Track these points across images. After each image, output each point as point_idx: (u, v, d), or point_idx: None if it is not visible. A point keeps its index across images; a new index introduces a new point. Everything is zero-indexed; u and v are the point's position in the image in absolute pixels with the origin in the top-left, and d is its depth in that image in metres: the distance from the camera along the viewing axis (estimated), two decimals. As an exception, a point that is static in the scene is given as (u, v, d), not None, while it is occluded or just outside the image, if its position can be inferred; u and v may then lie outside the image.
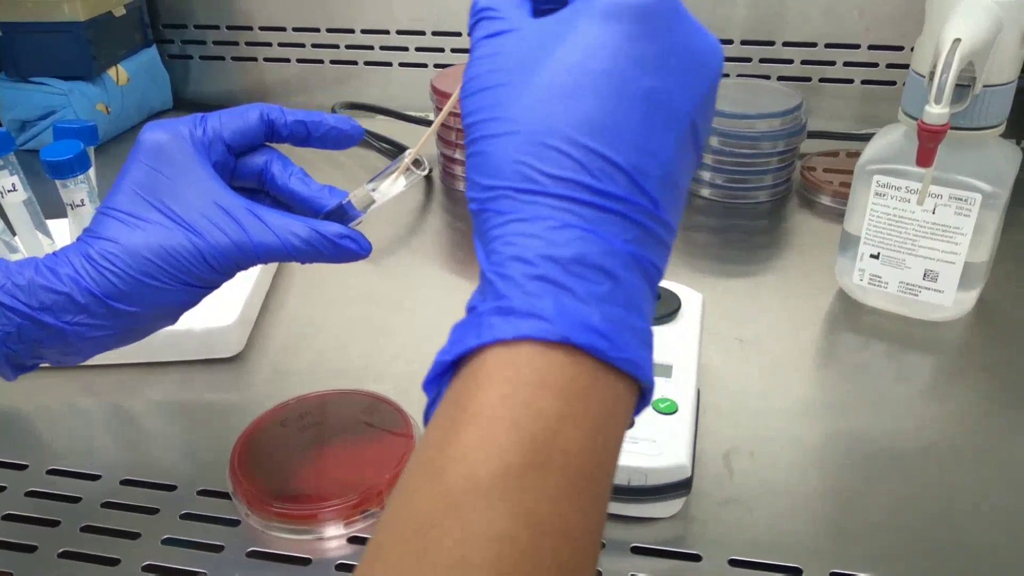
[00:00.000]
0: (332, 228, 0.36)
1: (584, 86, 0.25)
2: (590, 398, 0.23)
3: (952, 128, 0.48)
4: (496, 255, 0.25)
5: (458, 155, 0.74)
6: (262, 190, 0.40)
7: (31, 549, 0.42)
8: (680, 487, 0.41)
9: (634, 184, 0.25)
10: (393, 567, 0.21)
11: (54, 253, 0.35)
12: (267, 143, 0.39)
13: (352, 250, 0.37)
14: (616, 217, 0.25)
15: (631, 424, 0.25)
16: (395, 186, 0.37)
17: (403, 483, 0.23)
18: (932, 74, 0.45)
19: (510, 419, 0.22)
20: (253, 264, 0.36)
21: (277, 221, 0.35)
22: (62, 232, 0.60)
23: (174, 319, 0.37)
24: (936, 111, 0.45)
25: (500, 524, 0.21)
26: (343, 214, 0.38)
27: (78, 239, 0.35)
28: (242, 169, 0.39)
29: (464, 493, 0.21)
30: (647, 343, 0.25)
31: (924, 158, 0.46)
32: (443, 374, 0.25)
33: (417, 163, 0.37)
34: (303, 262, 0.36)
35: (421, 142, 0.36)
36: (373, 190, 0.37)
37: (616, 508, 0.42)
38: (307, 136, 0.39)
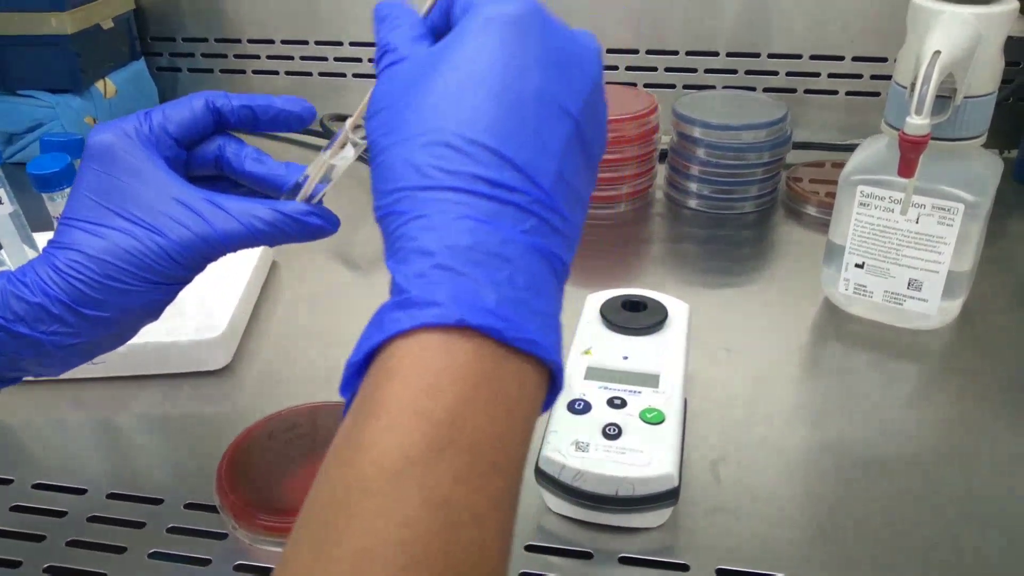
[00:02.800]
0: (295, 207, 0.36)
1: (467, 89, 0.27)
2: (493, 381, 0.24)
3: (934, 139, 0.48)
4: (399, 252, 0.26)
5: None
6: (222, 176, 0.39)
7: (16, 564, 0.42)
8: (668, 497, 0.41)
9: (525, 176, 0.26)
10: (304, 554, 0.22)
11: (23, 266, 0.35)
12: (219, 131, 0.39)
13: (318, 226, 0.36)
14: (512, 208, 0.26)
15: (544, 409, 0.26)
16: (346, 156, 0.36)
17: (318, 475, 0.24)
18: (913, 86, 0.46)
19: (413, 406, 0.23)
20: (221, 254, 0.35)
21: (238, 207, 0.35)
22: (49, 245, 0.60)
23: (154, 317, 0.37)
24: (917, 122, 0.45)
25: (407, 508, 0.21)
26: (301, 191, 0.37)
27: (44, 250, 0.35)
28: (196, 159, 0.38)
29: (371, 479, 0.22)
30: (551, 327, 0.26)
31: (906, 168, 0.47)
32: (355, 375, 0.25)
33: (359, 130, 0.36)
34: (271, 245, 0.36)
35: (359, 111, 0.35)
36: (327, 162, 0.36)
37: (604, 518, 0.42)
38: (256, 120, 0.38)
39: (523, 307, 0.25)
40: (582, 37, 0.29)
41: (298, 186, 0.37)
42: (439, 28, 0.31)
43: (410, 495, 0.21)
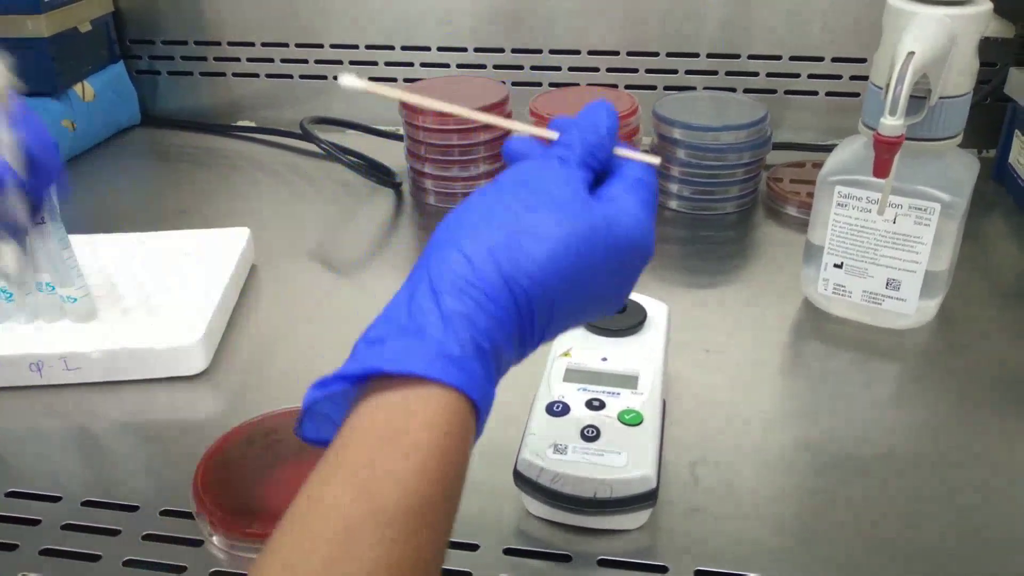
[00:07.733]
0: None
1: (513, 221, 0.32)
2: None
3: (911, 139, 0.48)
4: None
5: (427, 169, 0.74)
6: None
7: (-12, 574, 0.41)
8: (646, 498, 0.41)
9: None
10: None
11: None
12: None
13: None
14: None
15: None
16: None
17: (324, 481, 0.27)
18: (887, 87, 0.46)
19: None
20: None
21: None
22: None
23: None
24: (891, 123, 0.45)
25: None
26: None
27: None
28: None
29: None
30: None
31: (880, 169, 0.47)
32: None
33: None
34: None
35: None
36: None
37: (582, 521, 0.42)
38: None
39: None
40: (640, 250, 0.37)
41: None
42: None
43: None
